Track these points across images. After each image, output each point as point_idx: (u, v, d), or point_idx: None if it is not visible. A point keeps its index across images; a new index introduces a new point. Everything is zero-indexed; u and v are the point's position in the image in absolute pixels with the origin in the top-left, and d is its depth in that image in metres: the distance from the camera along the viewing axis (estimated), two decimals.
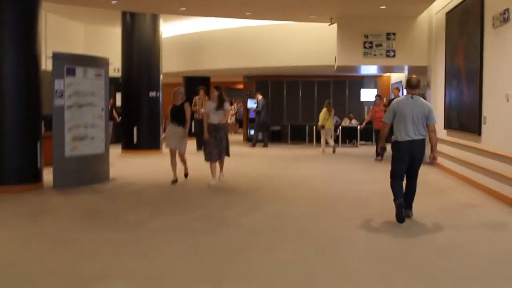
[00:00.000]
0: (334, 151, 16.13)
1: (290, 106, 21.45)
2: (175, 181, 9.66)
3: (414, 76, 6.90)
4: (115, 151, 15.77)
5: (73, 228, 6.35)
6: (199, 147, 15.20)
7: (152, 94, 15.40)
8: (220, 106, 9.31)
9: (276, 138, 21.17)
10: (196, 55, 19.05)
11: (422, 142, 6.66)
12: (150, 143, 15.43)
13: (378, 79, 21.04)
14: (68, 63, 9.25)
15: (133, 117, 15.32)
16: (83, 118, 9.53)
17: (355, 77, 20.76)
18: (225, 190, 9.10)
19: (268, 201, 8.14)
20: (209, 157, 9.35)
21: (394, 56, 13.64)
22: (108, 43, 17.99)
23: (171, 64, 19.54)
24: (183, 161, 9.94)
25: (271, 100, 21.50)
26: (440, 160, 11.30)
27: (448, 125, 11.12)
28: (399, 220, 6.44)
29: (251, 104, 20.93)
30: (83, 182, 9.38)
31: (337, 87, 21.31)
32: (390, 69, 17.27)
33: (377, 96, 15.08)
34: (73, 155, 9.38)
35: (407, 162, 6.62)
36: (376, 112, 14.34)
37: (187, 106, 9.69)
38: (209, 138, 9.30)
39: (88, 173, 9.62)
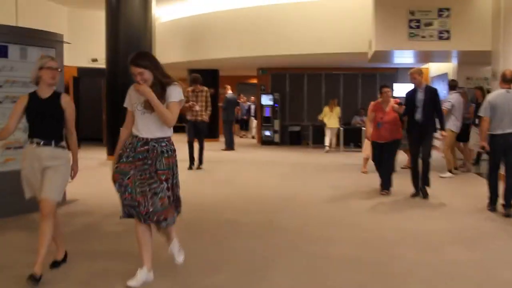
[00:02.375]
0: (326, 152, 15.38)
1: (312, 103, 18.45)
2: (34, 277, 3.99)
3: (509, 69, 7.02)
4: (100, 156, 12.99)
5: None
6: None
7: None
8: (157, 97, 3.98)
9: (295, 140, 18.31)
10: (199, 43, 16.15)
11: None
12: None
13: None
14: None
15: (120, 117, 12.43)
16: None
17: (387, 69, 17.81)
18: (219, 225, 6.22)
19: (284, 251, 5.21)
20: (127, 212, 4.07)
21: (448, 38, 10.61)
22: (95, 30, 15.14)
23: (171, 54, 16.69)
24: (49, 226, 4.18)
25: (290, 96, 18.58)
26: None
27: None
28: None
29: (266, 100, 18.09)
30: (21, 209, 6.54)
31: (366, 81, 18.34)
32: (428, 58, 14.25)
33: (384, 87, 8.41)
34: (5, 170, 6.55)
35: (501, 154, 6.78)
36: (380, 112, 8.32)
37: (66, 99, 4.45)
38: (125, 171, 4.01)
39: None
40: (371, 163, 8.97)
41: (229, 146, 15.89)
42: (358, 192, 8.47)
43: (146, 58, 4.11)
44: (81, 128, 15.66)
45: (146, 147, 4.00)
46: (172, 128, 4.10)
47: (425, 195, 7.86)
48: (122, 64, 12.48)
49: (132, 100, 4.17)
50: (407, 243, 5.43)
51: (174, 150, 4.11)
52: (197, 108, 10.75)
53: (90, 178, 9.57)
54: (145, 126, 4.03)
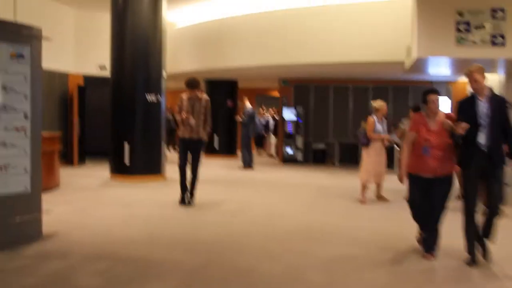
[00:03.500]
0: None
1: (338, 118, 16.91)
2: None
3: None
4: (103, 174, 11.59)
5: None
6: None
7: (151, 98, 11.11)
8: None
9: (319, 159, 16.77)
10: (216, 50, 14.82)
11: None
12: (147, 165, 11.15)
13: (452, 85, 16.50)
14: None
15: (125, 130, 11.10)
16: None
17: (420, 82, 16.25)
18: (228, 278, 4.75)
19: None
20: None
21: (503, 44, 9.06)
22: (105, 34, 13.90)
23: (187, 63, 15.42)
24: None
25: (314, 110, 17.05)
26: None
27: None
28: None
29: (288, 114, 16.64)
30: None
31: (398, 94, 16.75)
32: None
33: (430, 93, 5.70)
34: None
35: None
36: (423, 131, 5.55)
37: None
38: None
39: None
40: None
41: (248, 164, 14.44)
42: (400, 239, 6.93)
43: None
44: (88, 143, 14.41)
45: None
46: None
47: (486, 254, 5.23)
48: (128, 73, 11.20)
49: None
50: None
51: None
52: (193, 122, 8.16)
53: (84, 201, 8.26)
54: None
